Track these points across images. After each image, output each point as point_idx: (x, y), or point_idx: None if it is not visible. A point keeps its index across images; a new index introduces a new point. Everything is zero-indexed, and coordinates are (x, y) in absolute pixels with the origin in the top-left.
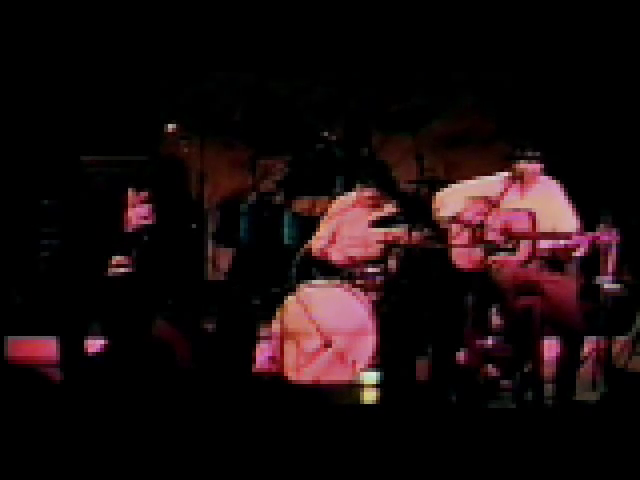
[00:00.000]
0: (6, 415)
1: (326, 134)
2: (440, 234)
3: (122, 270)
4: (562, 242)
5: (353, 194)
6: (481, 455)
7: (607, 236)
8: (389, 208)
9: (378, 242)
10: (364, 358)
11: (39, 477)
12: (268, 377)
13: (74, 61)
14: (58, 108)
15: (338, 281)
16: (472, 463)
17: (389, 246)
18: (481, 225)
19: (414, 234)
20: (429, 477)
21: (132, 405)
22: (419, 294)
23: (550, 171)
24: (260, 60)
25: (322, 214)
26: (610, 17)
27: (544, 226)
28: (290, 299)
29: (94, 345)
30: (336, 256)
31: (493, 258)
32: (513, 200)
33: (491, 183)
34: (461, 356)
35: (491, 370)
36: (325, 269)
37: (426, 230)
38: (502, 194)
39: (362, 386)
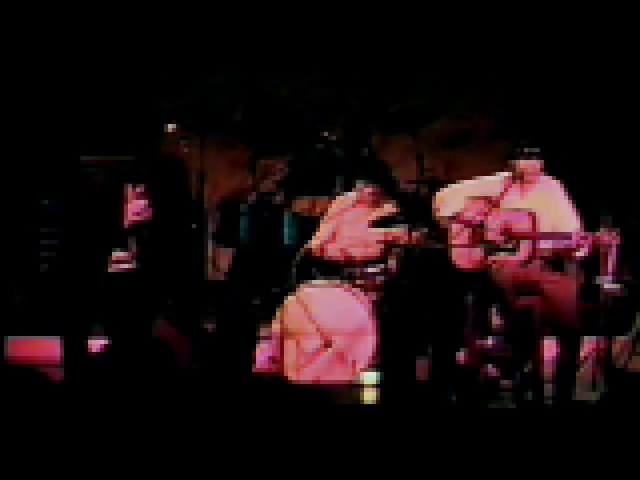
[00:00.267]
0: (6, 415)
1: (326, 134)
2: (440, 234)
3: (123, 266)
4: (565, 242)
5: (353, 194)
6: (481, 455)
7: (607, 236)
8: (389, 208)
9: (378, 242)
10: (364, 358)
11: (39, 477)
12: (268, 377)
13: (74, 61)
14: (58, 108)
15: (338, 281)
16: (472, 463)
17: (389, 246)
18: (481, 225)
19: (414, 234)
20: (429, 477)
21: (132, 405)
22: (419, 294)
23: (550, 171)
24: (260, 60)
25: (322, 214)
26: (610, 17)
27: (544, 226)
28: (290, 299)
29: (94, 345)
30: (334, 253)
31: (493, 258)
32: (513, 200)
33: (491, 183)
34: (461, 356)
35: (491, 370)
36: (325, 269)
37: (426, 230)
38: (502, 194)
39: (362, 386)
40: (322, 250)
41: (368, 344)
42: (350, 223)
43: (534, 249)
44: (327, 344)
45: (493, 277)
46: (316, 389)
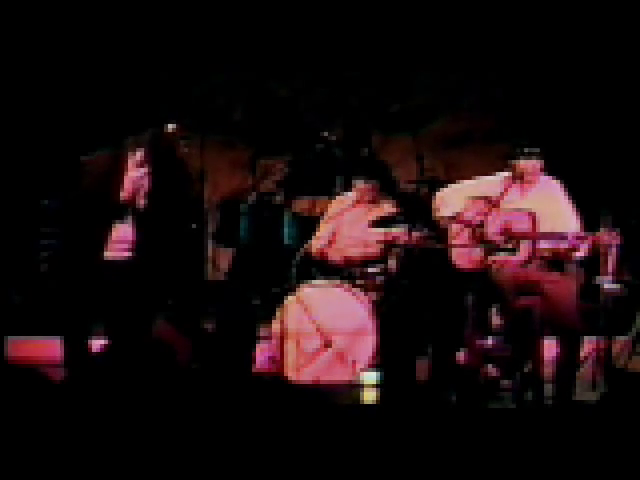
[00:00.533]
0: (6, 415)
1: (326, 134)
2: (440, 234)
3: (122, 253)
4: (560, 243)
5: (353, 194)
6: (481, 455)
7: (607, 236)
8: (389, 208)
9: (378, 242)
10: (364, 358)
11: (40, 477)
12: (268, 377)
13: (74, 61)
14: (58, 108)
15: (338, 281)
16: (472, 463)
17: (389, 246)
18: (481, 225)
19: (414, 234)
20: (429, 477)
21: (132, 405)
22: (419, 294)
23: (550, 171)
24: (260, 60)
25: (322, 214)
26: (609, 17)
27: (544, 226)
28: (290, 299)
29: (94, 345)
30: (335, 256)
31: (493, 258)
32: (513, 200)
33: (491, 183)
34: (461, 356)
35: (491, 370)
36: (325, 269)
37: (426, 230)
38: (502, 194)
39: (362, 386)
40: (322, 254)
41: (368, 344)
42: (350, 223)
43: (534, 249)
44: (327, 344)
45: (493, 277)
46: (316, 389)
